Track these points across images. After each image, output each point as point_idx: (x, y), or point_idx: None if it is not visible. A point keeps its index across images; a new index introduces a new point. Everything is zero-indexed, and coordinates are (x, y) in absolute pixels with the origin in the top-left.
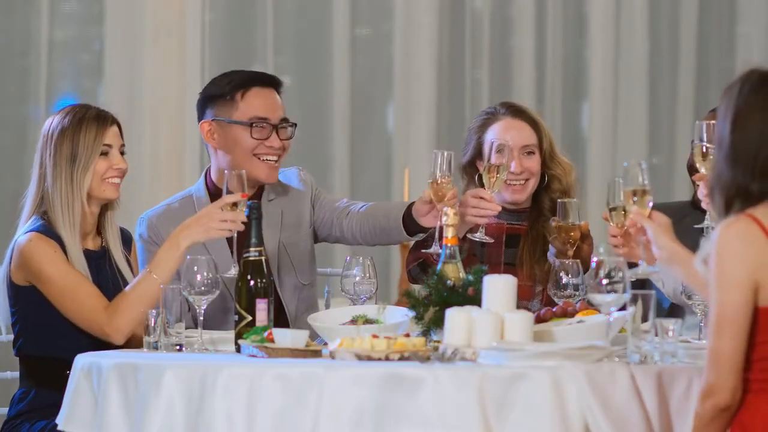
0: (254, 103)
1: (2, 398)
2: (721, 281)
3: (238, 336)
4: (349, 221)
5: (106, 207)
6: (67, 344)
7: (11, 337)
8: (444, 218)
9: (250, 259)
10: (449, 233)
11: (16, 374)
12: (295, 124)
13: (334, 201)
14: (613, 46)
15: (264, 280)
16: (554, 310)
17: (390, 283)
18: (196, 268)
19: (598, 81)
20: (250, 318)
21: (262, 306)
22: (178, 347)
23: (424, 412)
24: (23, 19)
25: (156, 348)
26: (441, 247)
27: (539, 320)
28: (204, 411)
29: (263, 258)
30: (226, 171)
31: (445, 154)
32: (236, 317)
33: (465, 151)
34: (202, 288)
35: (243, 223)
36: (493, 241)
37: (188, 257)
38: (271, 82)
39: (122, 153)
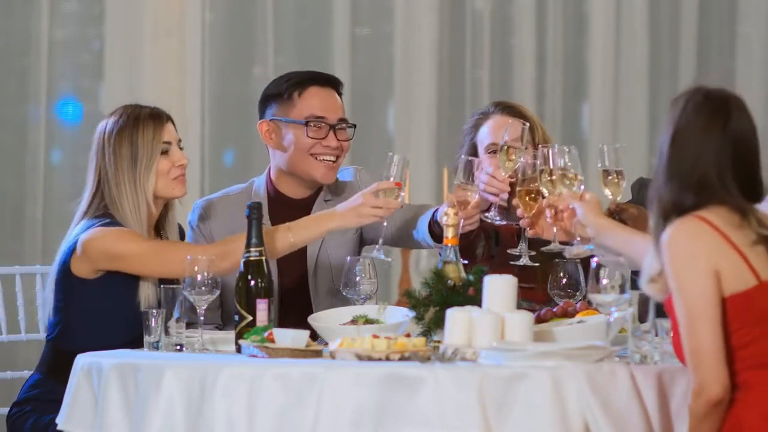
0: (311, 102)
1: (2, 398)
2: (682, 279)
3: (239, 336)
4: (387, 223)
5: (166, 207)
6: (106, 343)
7: (12, 337)
8: (444, 218)
9: (251, 259)
10: (449, 233)
11: (17, 374)
12: (354, 125)
13: None
14: (613, 45)
15: (264, 280)
16: (554, 310)
17: (390, 283)
18: (196, 268)
19: (598, 81)
20: (250, 318)
21: (262, 306)
22: (178, 347)
23: (424, 412)
24: (23, 19)
25: (156, 348)
26: (479, 250)
27: (539, 320)
28: (204, 411)
29: (263, 258)
30: (283, 168)
31: (471, 160)
32: (236, 317)
33: (459, 153)
34: (202, 288)
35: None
36: (505, 222)
37: (188, 257)
38: (329, 81)
39: (181, 148)
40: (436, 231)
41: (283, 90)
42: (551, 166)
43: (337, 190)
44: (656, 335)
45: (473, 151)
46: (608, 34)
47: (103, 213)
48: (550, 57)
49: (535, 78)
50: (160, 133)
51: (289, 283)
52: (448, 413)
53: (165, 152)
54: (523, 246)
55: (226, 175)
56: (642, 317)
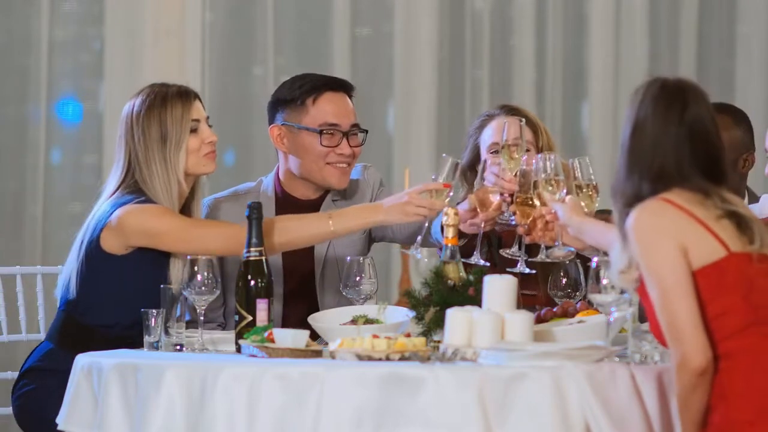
0: (325, 108)
1: (2, 398)
2: (650, 256)
3: (239, 336)
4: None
5: (193, 187)
6: (128, 318)
7: (12, 337)
8: (444, 218)
9: (251, 259)
10: (449, 233)
11: (17, 374)
12: (366, 131)
13: None
14: (613, 46)
15: (264, 280)
16: (554, 310)
17: (390, 283)
18: (196, 268)
19: (598, 81)
20: (250, 318)
21: (262, 306)
22: (178, 347)
23: (424, 412)
24: (23, 19)
25: (156, 348)
26: (484, 255)
27: (539, 320)
28: (204, 411)
29: (263, 258)
30: (295, 173)
31: (485, 160)
32: (236, 317)
33: (464, 155)
34: (203, 288)
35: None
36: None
37: (188, 257)
38: (342, 86)
39: (210, 125)
40: None
41: (296, 95)
42: (538, 177)
43: (345, 191)
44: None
45: (476, 153)
46: (608, 34)
47: (135, 190)
48: (550, 57)
49: (535, 78)
50: (188, 112)
51: (296, 282)
52: (448, 413)
53: (194, 130)
54: (515, 250)
55: (226, 174)
56: (642, 317)
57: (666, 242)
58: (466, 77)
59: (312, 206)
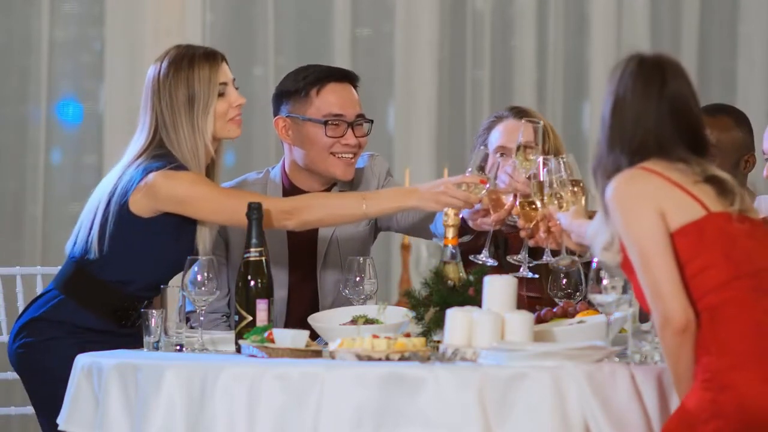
0: (329, 99)
1: (2, 398)
2: (629, 221)
3: (239, 336)
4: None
5: (216, 151)
6: (144, 279)
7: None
8: (444, 218)
9: (251, 259)
10: (449, 233)
11: (17, 375)
12: (372, 121)
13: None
14: (614, 46)
15: (264, 281)
16: (554, 310)
17: (390, 283)
18: (196, 268)
19: (599, 81)
20: (250, 318)
21: (262, 306)
22: (178, 347)
23: (424, 412)
24: (23, 19)
25: (156, 348)
26: (490, 255)
27: (539, 320)
28: (204, 411)
29: (263, 258)
30: (300, 165)
31: (499, 162)
32: (236, 317)
33: (471, 156)
34: (202, 288)
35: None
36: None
37: (188, 258)
38: (346, 77)
39: (236, 87)
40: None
41: (300, 87)
42: (543, 179)
43: (351, 181)
44: (656, 335)
45: (485, 155)
46: (609, 34)
47: (165, 153)
48: (551, 57)
49: (536, 78)
50: (216, 74)
51: (298, 276)
52: (448, 413)
53: (221, 94)
54: (523, 255)
55: (226, 174)
56: (642, 317)
57: (644, 207)
58: (466, 77)
59: None
